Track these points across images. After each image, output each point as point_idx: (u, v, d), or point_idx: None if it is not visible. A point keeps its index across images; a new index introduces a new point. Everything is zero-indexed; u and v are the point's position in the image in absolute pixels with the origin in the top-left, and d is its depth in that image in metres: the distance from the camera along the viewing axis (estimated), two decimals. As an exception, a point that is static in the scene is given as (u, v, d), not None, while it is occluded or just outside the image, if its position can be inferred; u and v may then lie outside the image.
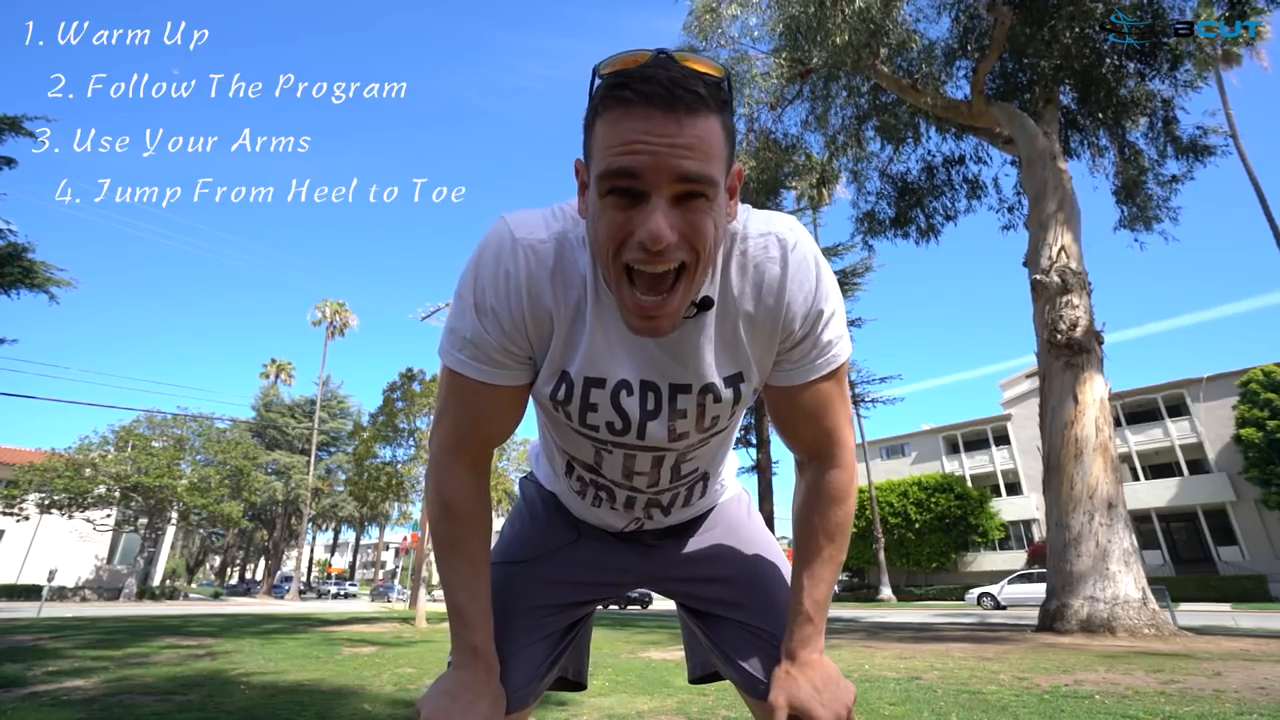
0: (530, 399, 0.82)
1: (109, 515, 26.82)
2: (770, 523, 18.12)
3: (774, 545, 1.05)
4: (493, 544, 0.96)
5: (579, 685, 1.05)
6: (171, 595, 29.11)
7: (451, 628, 0.81)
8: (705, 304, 0.69)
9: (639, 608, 24.31)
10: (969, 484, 32.01)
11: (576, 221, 0.72)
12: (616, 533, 0.98)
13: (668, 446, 0.80)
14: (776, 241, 0.70)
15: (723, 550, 1.00)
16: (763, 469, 18.75)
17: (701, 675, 1.04)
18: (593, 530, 0.99)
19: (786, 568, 0.99)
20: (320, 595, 42.79)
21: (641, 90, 0.55)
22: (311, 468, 40.12)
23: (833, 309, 0.74)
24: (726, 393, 0.76)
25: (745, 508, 1.07)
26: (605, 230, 0.60)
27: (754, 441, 19.40)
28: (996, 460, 33.45)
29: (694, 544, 1.01)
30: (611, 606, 21.75)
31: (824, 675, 0.79)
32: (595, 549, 0.98)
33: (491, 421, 0.78)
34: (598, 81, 0.60)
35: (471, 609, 0.79)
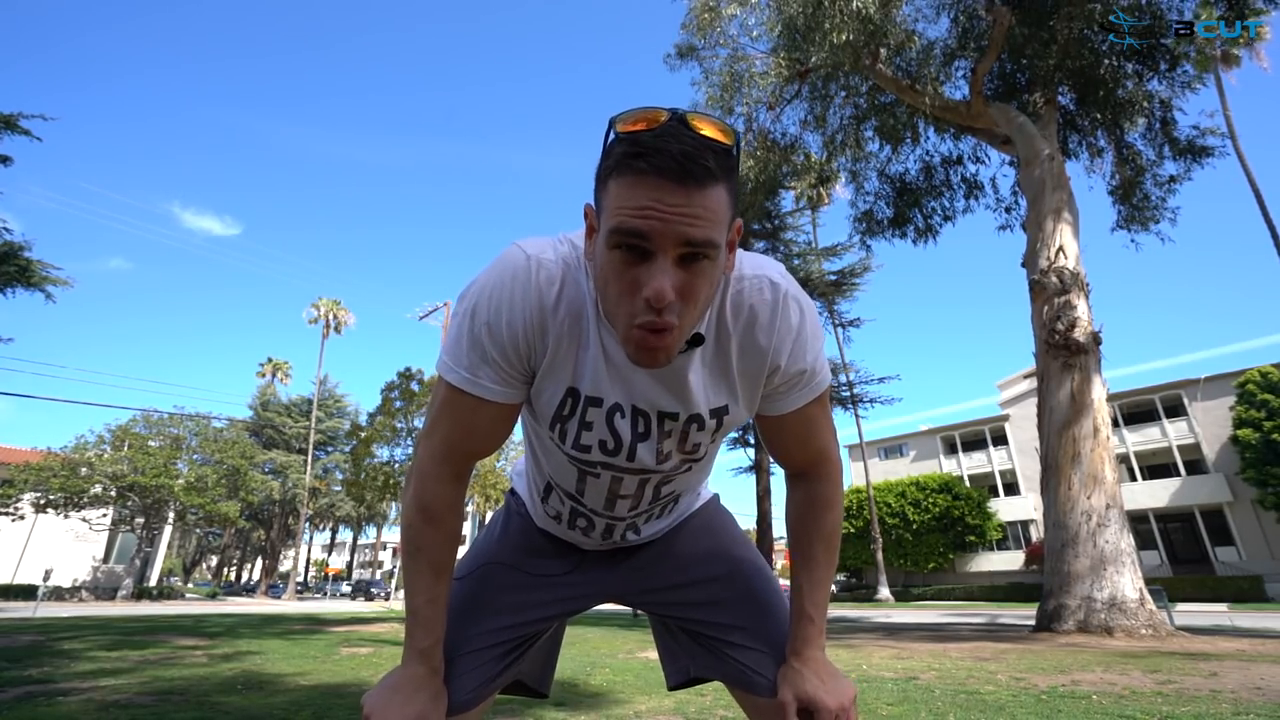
0: (521, 418, 0.87)
1: (105, 515, 26.76)
2: (767, 520, 18.08)
3: (745, 540, 1.07)
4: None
5: (539, 693, 1.07)
6: (169, 595, 29.04)
7: (406, 628, 0.85)
8: (696, 340, 0.74)
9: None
10: (967, 484, 32.06)
11: (579, 247, 0.77)
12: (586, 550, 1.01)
13: (654, 469, 0.85)
14: (769, 284, 0.75)
15: (699, 561, 1.01)
16: (762, 469, 18.71)
17: (680, 682, 1.04)
18: (563, 548, 1.01)
19: (760, 561, 1.03)
20: (329, 595, 42.72)
21: (654, 162, 0.58)
22: (309, 467, 40.09)
23: (817, 346, 0.80)
24: (710, 423, 0.81)
25: (713, 509, 1.09)
26: (614, 282, 0.64)
27: (753, 441, 19.43)
28: (994, 461, 33.51)
29: (664, 553, 1.02)
30: (612, 607, 21.74)
31: (828, 669, 0.86)
32: (563, 564, 1.00)
33: (483, 436, 0.81)
34: (613, 136, 0.62)
35: (427, 613, 0.83)
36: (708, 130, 0.61)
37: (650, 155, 0.58)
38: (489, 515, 25.70)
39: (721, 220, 0.62)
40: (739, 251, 0.77)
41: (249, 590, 46.20)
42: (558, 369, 0.76)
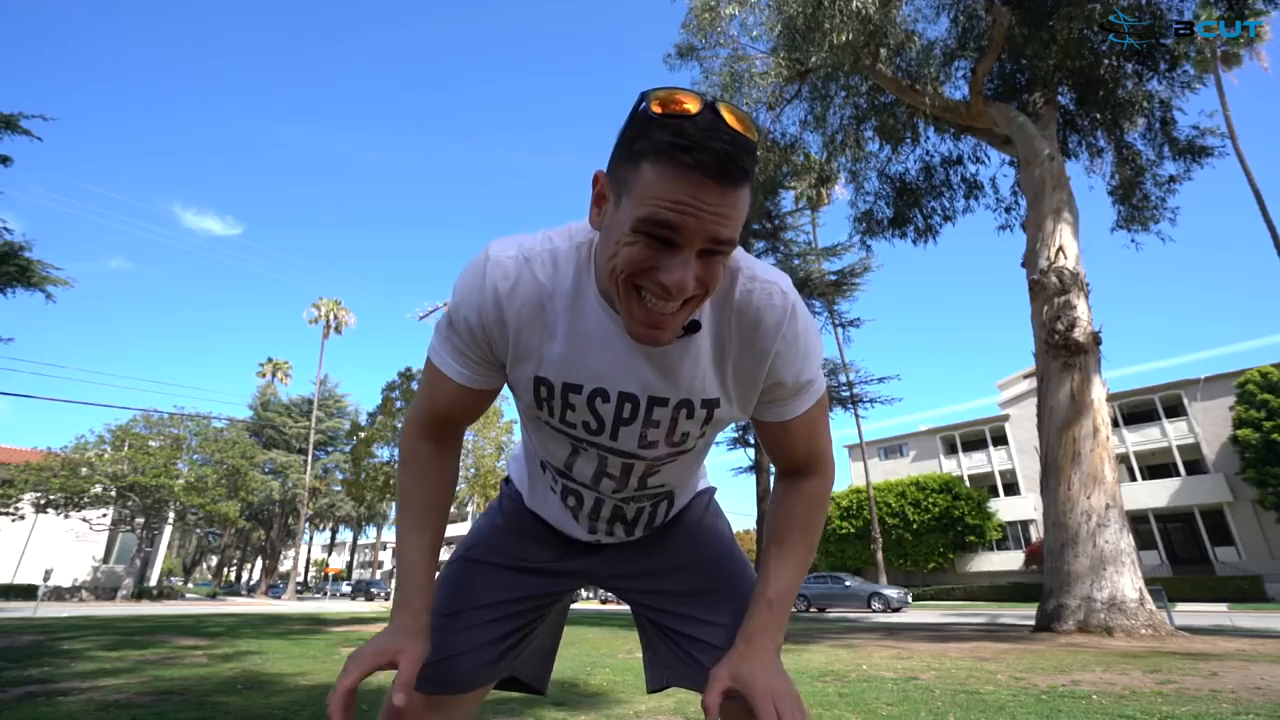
0: (498, 397, 0.93)
1: (105, 515, 26.76)
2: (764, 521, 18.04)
3: (733, 542, 1.08)
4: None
5: (537, 690, 1.09)
6: (169, 595, 29.04)
7: (395, 575, 0.88)
8: (693, 327, 0.76)
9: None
10: (967, 484, 32.05)
11: (554, 240, 0.79)
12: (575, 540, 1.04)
13: (637, 453, 0.87)
14: (780, 292, 0.77)
15: (679, 548, 1.04)
16: (762, 469, 18.68)
17: (658, 687, 1.04)
18: (553, 535, 1.04)
19: (742, 561, 1.04)
20: (330, 594, 42.72)
21: (700, 159, 0.59)
22: (309, 467, 40.07)
23: (819, 357, 0.83)
24: (701, 412, 0.83)
25: (705, 504, 1.10)
26: (628, 259, 0.64)
27: (753, 441, 19.42)
28: (994, 461, 33.51)
29: (649, 542, 1.04)
30: (613, 607, 21.78)
31: (775, 664, 0.82)
32: (550, 552, 1.04)
33: (450, 408, 0.88)
34: (648, 115, 0.61)
35: (411, 556, 0.87)
36: (740, 127, 0.61)
37: (695, 150, 0.59)
38: (489, 515, 25.61)
39: (743, 219, 0.64)
40: (750, 257, 0.79)
41: (250, 590, 46.21)
42: (523, 359, 0.81)
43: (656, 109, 0.61)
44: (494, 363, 0.82)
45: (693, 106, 0.61)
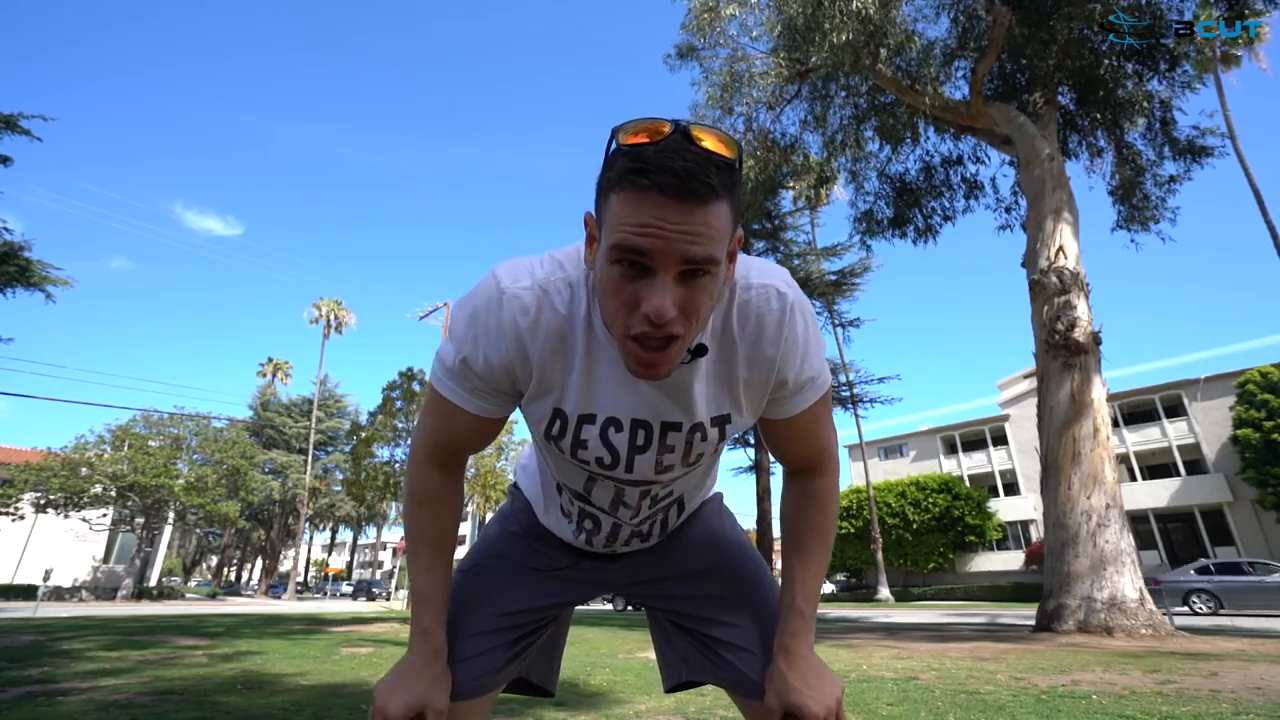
0: (507, 422, 0.89)
1: (105, 515, 26.75)
2: (767, 520, 18.11)
3: (745, 541, 1.08)
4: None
5: (545, 691, 1.08)
6: (169, 595, 29.04)
7: (411, 609, 0.88)
8: (700, 351, 0.74)
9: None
10: (967, 484, 32.04)
11: (566, 267, 0.77)
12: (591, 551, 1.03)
13: (654, 479, 0.87)
14: (776, 294, 0.76)
15: (695, 555, 1.03)
16: (762, 469, 18.70)
17: (675, 684, 1.04)
18: (564, 544, 1.03)
19: (759, 562, 1.04)
20: (330, 594, 42.73)
21: (656, 179, 0.58)
22: (309, 467, 40.09)
23: (821, 350, 0.82)
24: (713, 432, 0.83)
25: (716, 508, 1.10)
26: (613, 296, 0.64)
27: (752, 441, 19.42)
28: (994, 461, 33.50)
29: (664, 550, 1.03)
30: (612, 607, 21.77)
31: (814, 670, 0.85)
32: (565, 558, 1.03)
33: (460, 439, 0.85)
34: (614, 147, 0.62)
35: (427, 590, 0.87)
36: (711, 144, 0.60)
37: (653, 172, 0.58)
38: (488, 516, 25.73)
39: (723, 236, 0.62)
40: (745, 258, 0.79)
41: (249, 590, 46.20)
42: (544, 391, 0.79)
43: (622, 140, 0.61)
44: (512, 394, 0.81)
45: (661, 132, 0.60)
